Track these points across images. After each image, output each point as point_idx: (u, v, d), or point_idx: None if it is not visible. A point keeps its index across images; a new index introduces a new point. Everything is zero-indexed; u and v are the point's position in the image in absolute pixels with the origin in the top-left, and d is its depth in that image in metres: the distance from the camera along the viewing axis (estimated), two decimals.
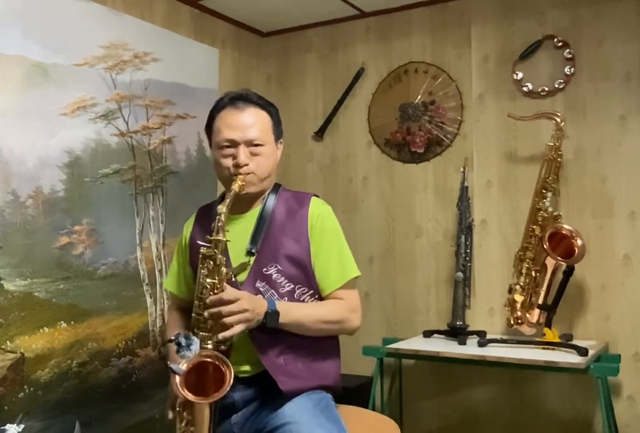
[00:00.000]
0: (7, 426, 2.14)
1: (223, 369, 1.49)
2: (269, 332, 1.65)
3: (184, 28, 3.03)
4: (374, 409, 2.69)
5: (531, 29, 2.88)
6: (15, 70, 2.25)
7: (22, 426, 2.18)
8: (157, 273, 2.77)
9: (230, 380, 1.47)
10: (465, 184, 2.95)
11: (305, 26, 3.43)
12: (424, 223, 3.13)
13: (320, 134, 3.40)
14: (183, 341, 1.49)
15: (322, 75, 3.43)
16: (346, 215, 3.25)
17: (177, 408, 1.57)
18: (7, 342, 2.18)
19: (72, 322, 2.40)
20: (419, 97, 3.15)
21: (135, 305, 2.67)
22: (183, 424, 1.56)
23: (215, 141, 1.77)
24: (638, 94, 2.69)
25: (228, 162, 1.74)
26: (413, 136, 3.15)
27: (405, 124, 3.17)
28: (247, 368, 1.70)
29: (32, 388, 2.24)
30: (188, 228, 1.91)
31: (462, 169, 2.97)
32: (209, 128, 1.82)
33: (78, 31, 2.46)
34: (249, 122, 1.74)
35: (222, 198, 1.79)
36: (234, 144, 1.73)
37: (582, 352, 2.40)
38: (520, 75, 2.90)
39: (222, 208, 1.62)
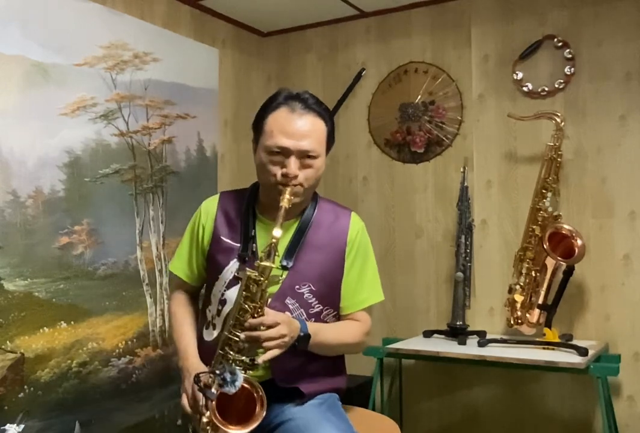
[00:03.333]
0: (7, 426, 2.14)
1: (255, 396, 1.47)
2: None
3: (184, 28, 3.03)
4: (374, 409, 2.69)
5: (531, 29, 2.88)
6: (15, 70, 2.25)
7: (22, 426, 2.18)
8: (157, 273, 2.77)
9: (263, 411, 1.46)
10: (465, 184, 2.95)
11: (305, 26, 3.43)
12: (424, 223, 3.13)
13: None
14: (229, 377, 1.43)
15: (322, 75, 3.43)
16: None
17: (204, 427, 1.50)
18: (7, 342, 2.18)
19: (72, 322, 2.40)
20: (419, 97, 3.15)
21: (135, 305, 2.67)
22: None
23: (265, 144, 1.63)
24: (638, 94, 2.69)
25: (276, 170, 1.62)
26: (413, 136, 3.15)
27: (405, 124, 3.17)
28: (259, 373, 1.64)
29: (32, 388, 2.24)
30: (209, 214, 1.78)
31: (462, 169, 2.97)
32: (257, 124, 1.68)
33: (78, 31, 2.46)
34: (305, 132, 1.61)
35: (253, 189, 1.76)
36: (286, 152, 1.61)
37: (582, 352, 2.40)
38: (520, 75, 2.90)
39: (277, 231, 1.51)
